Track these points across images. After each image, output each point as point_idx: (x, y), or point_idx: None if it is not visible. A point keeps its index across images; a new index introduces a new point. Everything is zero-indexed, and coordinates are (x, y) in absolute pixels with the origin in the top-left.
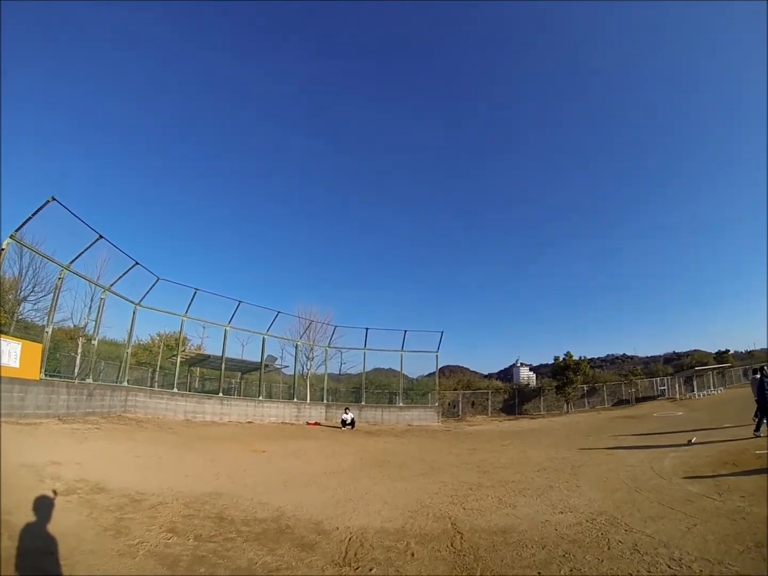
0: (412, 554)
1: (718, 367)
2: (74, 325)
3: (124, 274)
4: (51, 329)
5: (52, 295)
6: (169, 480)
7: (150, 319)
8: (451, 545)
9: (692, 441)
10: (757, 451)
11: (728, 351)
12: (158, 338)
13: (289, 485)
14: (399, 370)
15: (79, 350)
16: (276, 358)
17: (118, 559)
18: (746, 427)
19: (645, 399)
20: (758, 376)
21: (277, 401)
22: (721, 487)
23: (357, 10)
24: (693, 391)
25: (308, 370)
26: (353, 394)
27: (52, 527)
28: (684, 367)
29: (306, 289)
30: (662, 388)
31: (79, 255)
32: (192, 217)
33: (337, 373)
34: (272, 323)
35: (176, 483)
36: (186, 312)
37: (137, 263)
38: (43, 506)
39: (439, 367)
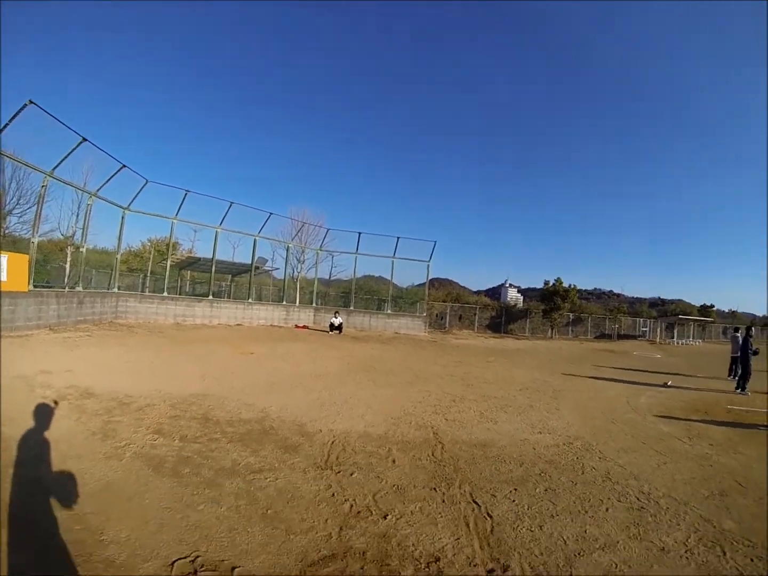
0: (394, 461)
1: (701, 320)
2: (62, 235)
3: (111, 177)
4: (37, 240)
5: (36, 205)
6: (158, 382)
7: (140, 224)
8: (432, 455)
9: (668, 384)
10: (729, 405)
11: (713, 306)
12: (149, 244)
13: (275, 387)
14: (389, 277)
15: (68, 260)
16: (267, 260)
17: (104, 462)
18: (720, 380)
19: (626, 337)
20: (739, 335)
21: (267, 304)
22: (692, 432)
23: None
24: (673, 337)
25: (299, 273)
26: (342, 298)
27: (46, 435)
28: (668, 314)
29: (300, 192)
30: (644, 329)
31: (63, 160)
32: (182, 115)
33: (327, 277)
34: (264, 225)
35: (164, 385)
36: (176, 215)
37: (124, 166)
38: (37, 416)
39: (429, 278)
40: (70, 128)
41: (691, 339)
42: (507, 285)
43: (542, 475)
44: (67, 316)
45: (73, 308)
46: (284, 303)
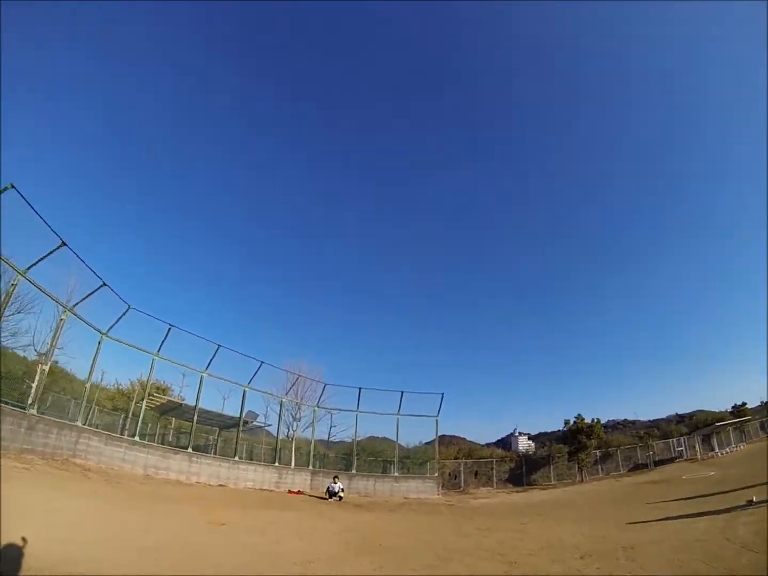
0: None
1: (738, 421)
2: (36, 352)
3: (90, 294)
4: None
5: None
6: (73, 546)
7: (129, 361)
8: None
9: (753, 500)
10: None
11: (745, 404)
12: (138, 383)
13: None
14: (394, 437)
15: (36, 379)
16: (257, 415)
17: None
18: None
19: (663, 462)
20: None
21: (256, 464)
22: None
23: None
24: (713, 449)
25: (294, 431)
26: (343, 461)
27: None
28: (699, 425)
29: (296, 345)
30: (679, 449)
31: (38, 261)
32: (174, 253)
33: (326, 437)
34: (255, 374)
35: (78, 552)
36: (158, 350)
37: (105, 284)
38: None
39: (438, 434)
40: (50, 227)
41: (732, 445)
42: (516, 433)
43: None
44: (11, 439)
45: (20, 432)
46: (277, 464)
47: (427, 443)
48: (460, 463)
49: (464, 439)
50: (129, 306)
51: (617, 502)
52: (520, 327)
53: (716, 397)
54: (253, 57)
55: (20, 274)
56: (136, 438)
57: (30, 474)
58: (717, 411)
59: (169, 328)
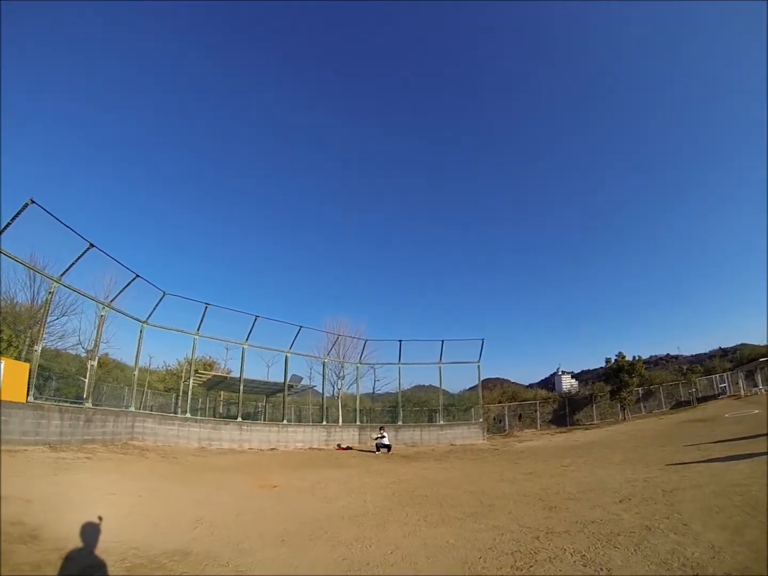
0: None
1: None
2: (84, 349)
3: (125, 288)
4: (40, 347)
5: (42, 309)
6: (133, 528)
7: (173, 342)
8: None
9: None
10: None
11: None
12: (185, 362)
13: (289, 539)
14: (438, 385)
15: (87, 374)
16: (302, 378)
17: None
18: None
19: (706, 399)
20: None
21: (305, 425)
22: None
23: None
24: (757, 386)
25: (339, 389)
26: (389, 413)
27: None
28: (743, 360)
29: (335, 303)
30: (723, 385)
31: (70, 267)
32: (204, 225)
33: (371, 391)
34: (294, 339)
35: (139, 533)
36: (198, 329)
37: (138, 276)
38: None
39: (481, 379)
40: (76, 232)
41: None
42: (560, 373)
43: None
44: (71, 433)
45: (79, 426)
46: (325, 423)
47: (471, 389)
48: (504, 407)
49: (508, 380)
50: (164, 292)
51: (660, 441)
52: (563, 266)
53: (760, 330)
54: None
55: (55, 281)
56: (188, 414)
57: (91, 462)
58: (761, 345)
59: (206, 307)
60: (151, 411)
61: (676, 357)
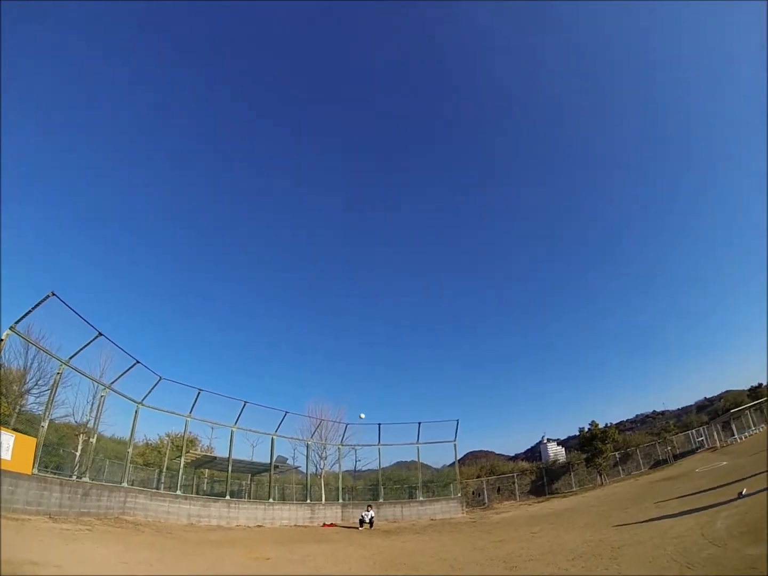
0: None
1: (755, 404)
2: (76, 422)
3: (125, 372)
4: (47, 424)
5: (50, 390)
6: None
7: (158, 418)
8: None
9: (743, 493)
10: None
11: (761, 384)
12: (167, 438)
13: None
14: (421, 462)
15: (80, 447)
16: (287, 459)
17: None
18: None
19: (684, 455)
20: None
21: (289, 503)
22: None
23: None
24: (733, 435)
25: (322, 469)
26: (371, 491)
27: None
28: (719, 413)
29: (317, 386)
30: (700, 439)
31: (78, 351)
32: (197, 318)
33: (353, 470)
34: (280, 423)
35: None
36: (190, 412)
37: (138, 362)
38: None
39: (462, 455)
40: (87, 321)
41: (753, 428)
42: (545, 441)
43: None
44: (69, 506)
45: (77, 499)
46: (309, 501)
47: (450, 465)
48: (482, 481)
49: (492, 452)
50: (160, 377)
51: (626, 503)
52: (543, 334)
53: (742, 375)
54: None
55: (64, 363)
56: (178, 492)
57: (93, 533)
58: (744, 389)
59: (199, 392)
60: (132, 485)
61: (662, 413)
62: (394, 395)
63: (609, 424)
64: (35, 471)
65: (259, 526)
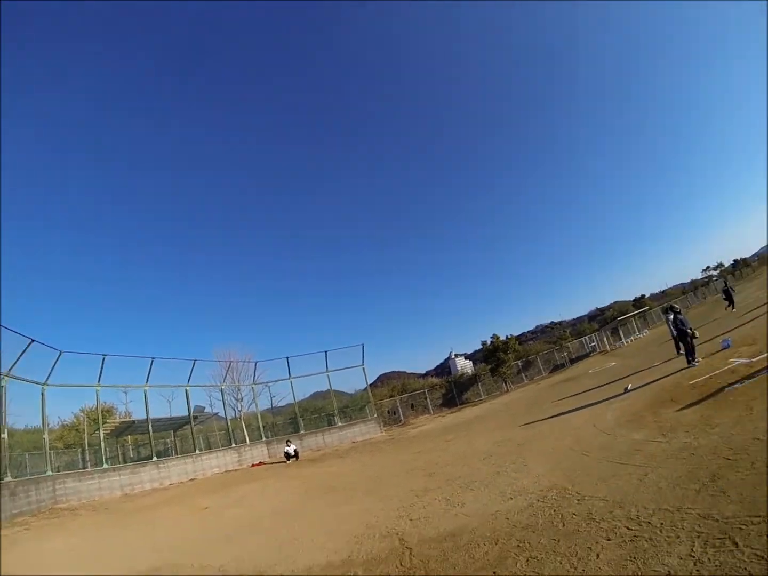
0: None
1: (638, 312)
2: None
3: (21, 355)
4: None
5: None
6: (105, 567)
7: (69, 395)
8: (400, 564)
9: (628, 388)
10: (691, 381)
11: (644, 296)
12: (82, 414)
13: (233, 538)
14: (335, 389)
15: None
16: (204, 408)
17: None
18: (674, 361)
19: (579, 359)
20: (671, 315)
21: (216, 451)
22: (665, 427)
23: None
24: (621, 339)
25: (240, 411)
26: (291, 425)
27: None
28: (608, 320)
29: (222, 330)
30: (592, 344)
31: None
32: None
33: (270, 407)
34: (191, 373)
35: (112, 569)
36: (98, 381)
37: (33, 340)
38: None
39: (375, 378)
40: None
41: (637, 333)
42: (453, 356)
43: (521, 545)
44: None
45: (6, 502)
46: (234, 445)
47: (363, 390)
48: (396, 400)
49: (404, 372)
50: (60, 351)
51: (531, 405)
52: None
53: (628, 288)
54: None
55: None
56: (105, 465)
57: (31, 531)
58: (629, 300)
59: (103, 358)
60: (58, 472)
61: (560, 323)
62: (301, 331)
63: (509, 336)
64: None
65: (191, 479)
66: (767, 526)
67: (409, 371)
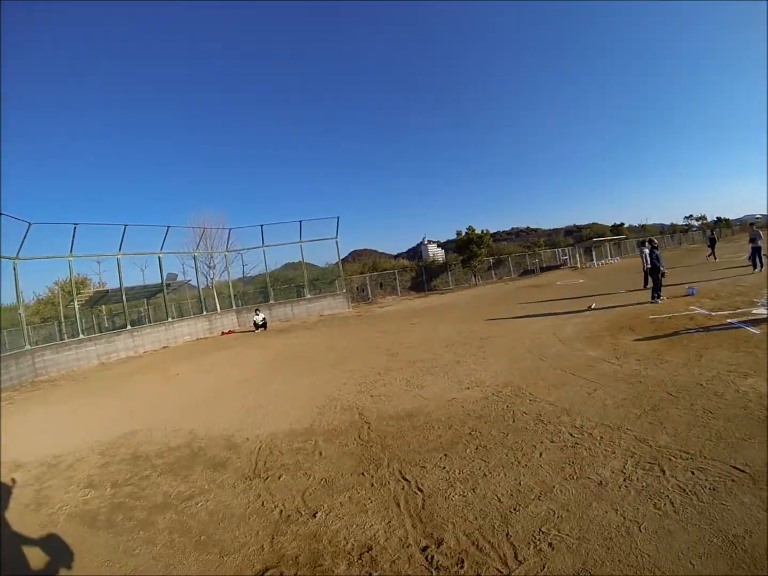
0: (320, 453)
1: (615, 239)
2: None
3: None
4: None
5: None
6: (85, 432)
7: (42, 268)
8: (359, 437)
9: (592, 307)
10: (651, 316)
11: (623, 224)
12: (56, 287)
13: (202, 404)
14: (307, 262)
15: None
16: (177, 275)
17: (41, 533)
18: (640, 292)
19: (549, 268)
20: (647, 248)
21: (188, 318)
22: (619, 351)
23: None
24: (592, 260)
25: (212, 279)
26: (261, 294)
27: None
28: (584, 239)
29: (197, 197)
30: (564, 258)
31: None
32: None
33: (242, 276)
34: (164, 239)
35: (92, 433)
36: (70, 251)
37: (0, 213)
38: None
39: (347, 253)
40: None
41: (609, 258)
42: (426, 242)
43: (472, 433)
44: None
45: None
46: (205, 313)
47: (334, 264)
48: (366, 277)
49: (375, 251)
50: (29, 223)
51: (497, 302)
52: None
53: (610, 212)
54: None
55: None
56: (82, 336)
57: (15, 405)
58: (608, 225)
59: (75, 227)
60: (37, 345)
61: (536, 230)
62: (277, 201)
63: (485, 231)
64: None
65: (164, 347)
66: (693, 463)
67: (380, 250)
